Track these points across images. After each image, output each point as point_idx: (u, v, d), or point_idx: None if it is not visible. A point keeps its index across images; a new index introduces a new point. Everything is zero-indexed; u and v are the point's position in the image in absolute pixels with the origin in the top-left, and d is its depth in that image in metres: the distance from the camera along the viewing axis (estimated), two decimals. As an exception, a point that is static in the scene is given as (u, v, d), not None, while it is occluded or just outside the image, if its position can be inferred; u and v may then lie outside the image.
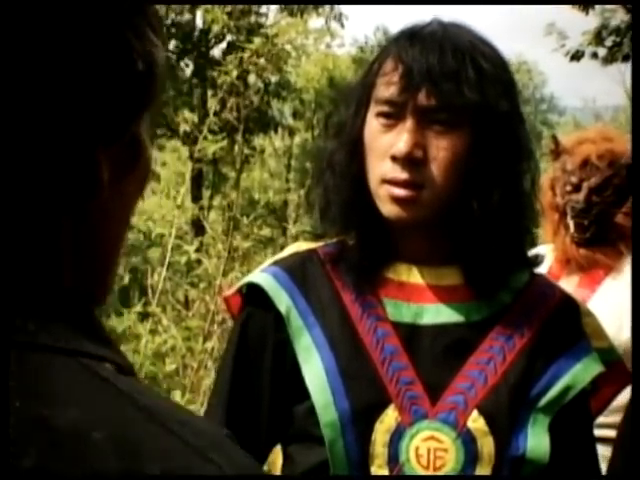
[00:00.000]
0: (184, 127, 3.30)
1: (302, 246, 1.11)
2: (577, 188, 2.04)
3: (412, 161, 0.98)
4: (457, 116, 0.98)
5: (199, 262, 3.99)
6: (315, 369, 1.01)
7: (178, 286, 3.85)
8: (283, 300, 1.04)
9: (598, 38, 8.31)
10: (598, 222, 2.02)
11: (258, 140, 8.85)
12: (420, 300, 1.04)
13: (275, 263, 1.09)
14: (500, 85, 1.00)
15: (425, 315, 1.03)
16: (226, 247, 3.93)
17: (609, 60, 8.44)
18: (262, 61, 3.58)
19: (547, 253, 2.14)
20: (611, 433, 1.69)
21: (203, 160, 4.00)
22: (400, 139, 0.98)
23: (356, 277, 1.05)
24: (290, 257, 1.09)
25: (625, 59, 8.32)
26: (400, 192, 0.98)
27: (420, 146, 0.98)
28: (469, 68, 0.98)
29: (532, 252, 1.12)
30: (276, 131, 8.53)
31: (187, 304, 3.81)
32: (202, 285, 3.60)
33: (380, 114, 1.01)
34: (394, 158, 0.98)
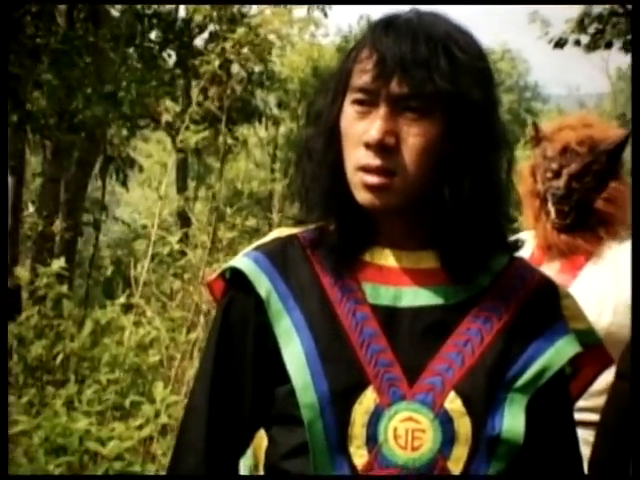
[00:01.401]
0: (166, 117, 3.30)
1: (284, 231, 1.13)
2: (557, 174, 2.06)
3: (384, 148, 0.99)
4: (429, 104, 0.99)
5: (184, 253, 3.99)
6: (295, 352, 1.02)
7: (163, 278, 3.86)
8: (263, 284, 1.05)
9: (581, 25, 8.35)
10: (578, 208, 2.03)
11: (242, 130, 8.82)
12: (398, 283, 1.05)
13: (257, 248, 1.10)
14: (474, 74, 1.02)
15: (404, 298, 1.04)
16: (211, 238, 3.94)
17: (592, 47, 8.48)
18: (245, 51, 3.57)
19: (529, 240, 2.16)
20: (592, 417, 1.71)
21: (186, 150, 3.99)
22: (373, 126, 1.00)
23: (335, 261, 1.06)
24: (271, 242, 1.11)
25: (608, 46, 8.37)
26: (373, 179, 1.00)
27: (392, 133, 1.00)
28: (441, 57, 1.00)
29: (513, 237, 1.13)
30: (260, 121, 8.50)
31: (172, 295, 3.82)
32: (186, 276, 3.61)
33: (355, 101, 1.03)
34: (367, 145, 1.00)
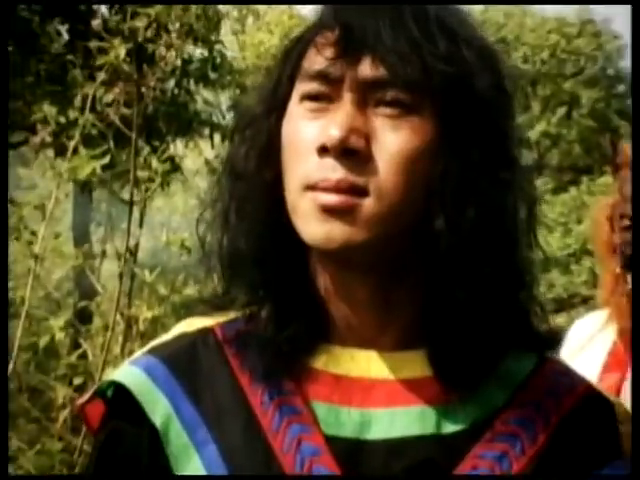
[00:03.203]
0: (42, 134, 3.32)
1: (195, 323, 1.15)
2: None
3: (350, 153, 1.02)
4: (415, 94, 1.03)
5: (77, 345, 3.98)
6: None
7: (41, 384, 3.85)
8: (160, 407, 1.08)
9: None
10: None
11: (177, 149, 8.86)
12: (366, 403, 1.07)
13: (152, 351, 1.13)
14: (480, 54, 1.06)
15: (374, 425, 1.06)
16: (123, 318, 3.94)
17: None
18: (175, 33, 3.63)
19: (606, 322, 2.19)
20: None
21: (91, 182, 3.97)
22: (332, 124, 1.02)
23: (270, 368, 1.08)
24: (175, 340, 1.13)
25: None
26: (331, 199, 1.01)
27: (361, 134, 1.02)
28: (434, 28, 1.04)
29: (545, 327, 1.14)
30: (201, 135, 8.53)
31: (53, 413, 3.80)
32: (77, 381, 3.60)
33: (306, 97, 1.06)
34: (323, 150, 1.02)
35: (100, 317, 4.54)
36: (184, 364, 1.10)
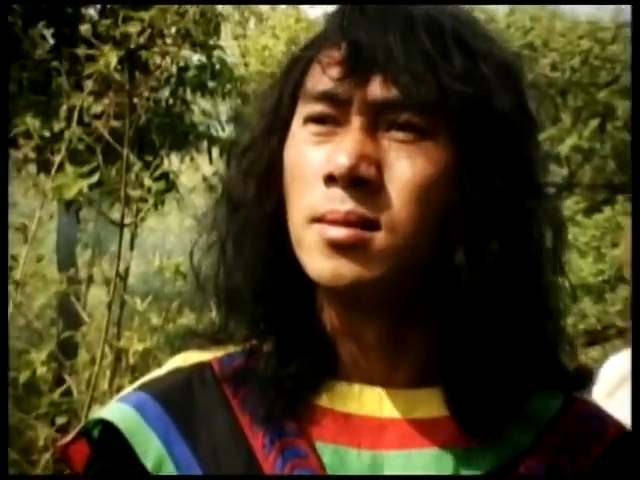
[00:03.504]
0: (25, 150, 3.32)
1: (190, 357, 1.16)
2: None
3: (359, 183, 1.02)
4: (430, 117, 1.03)
5: (60, 380, 3.97)
6: None
7: (22, 422, 3.85)
8: (152, 449, 1.08)
9: None
10: None
11: (172, 165, 8.87)
12: (377, 445, 1.07)
13: (143, 387, 1.13)
14: (500, 72, 1.06)
15: (387, 469, 1.06)
16: (112, 350, 3.93)
17: None
18: (170, 39, 3.64)
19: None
20: None
21: (78, 201, 3.97)
22: (340, 150, 1.03)
23: (272, 407, 1.08)
24: (168, 376, 1.14)
25: None
26: (340, 233, 1.02)
27: (372, 161, 1.03)
28: (450, 44, 1.05)
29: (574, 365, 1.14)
30: (198, 149, 8.54)
31: (34, 456, 3.79)
32: (60, 421, 3.60)
33: (310, 119, 1.07)
34: (330, 179, 1.02)
35: (86, 349, 4.54)
36: (179, 402, 1.10)
